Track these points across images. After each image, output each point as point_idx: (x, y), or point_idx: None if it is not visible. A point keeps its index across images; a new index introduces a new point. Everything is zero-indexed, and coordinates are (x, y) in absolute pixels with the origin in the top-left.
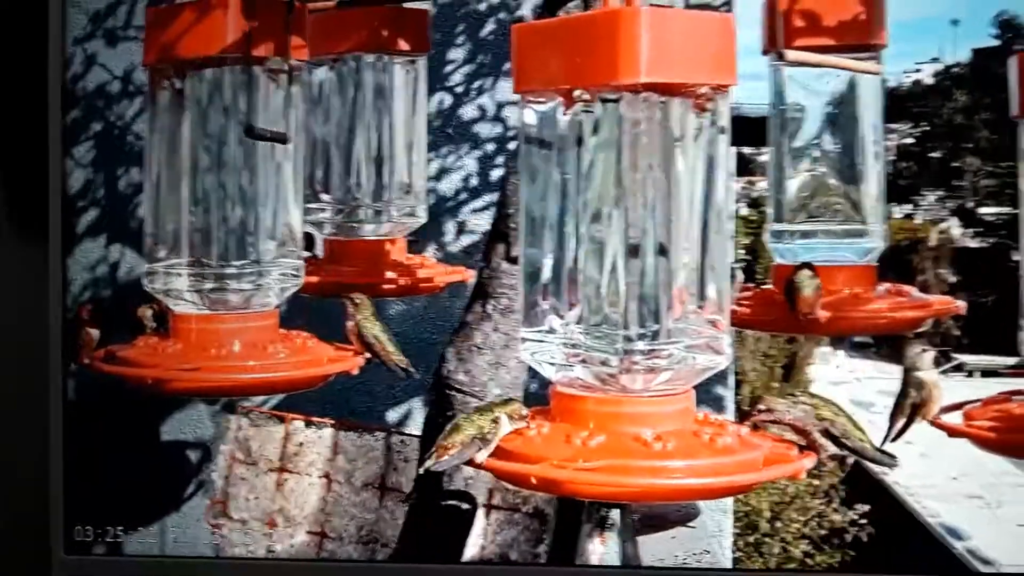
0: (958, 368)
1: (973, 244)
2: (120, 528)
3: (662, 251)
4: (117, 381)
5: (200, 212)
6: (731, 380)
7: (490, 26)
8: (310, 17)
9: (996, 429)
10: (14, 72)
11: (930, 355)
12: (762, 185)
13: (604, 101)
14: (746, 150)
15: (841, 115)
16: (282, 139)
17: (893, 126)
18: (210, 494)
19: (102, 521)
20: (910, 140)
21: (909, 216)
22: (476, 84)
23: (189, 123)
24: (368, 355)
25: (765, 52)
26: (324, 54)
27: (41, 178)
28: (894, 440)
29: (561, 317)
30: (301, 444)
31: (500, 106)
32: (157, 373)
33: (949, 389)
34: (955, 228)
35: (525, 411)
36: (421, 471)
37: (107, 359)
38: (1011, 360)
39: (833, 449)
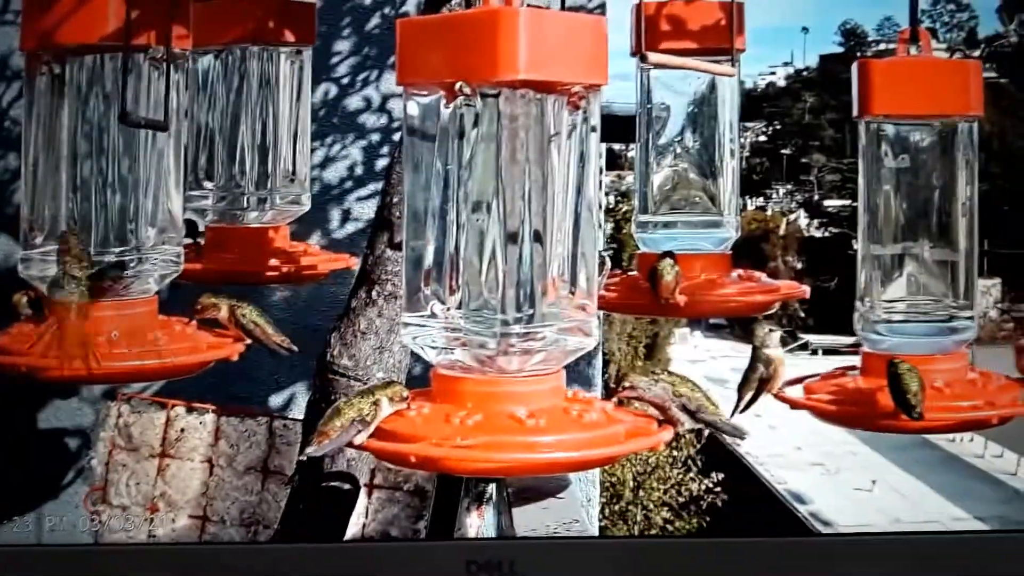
0: (803, 347)
1: (818, 234)
2: None
3: (538, 239)
4: None
5: (79, 198)
6: (599, 360)
7: (375, 20)
8: (197, 6)
9: (833, 402)
10: None
11: (777, 335)
12: (629, 179)
13: (484, 96)
14: (615, 146)
15: (702, 114)
16: (161, 127)
17: (748, 124)
18: (90, 481)
19: None
20: (763, 138)
21: (761, 208)
22: (362, 76)
23: (68, 109)
24: (248, 341)
25: (633, 54)
26: (210, 43)
27: None
28: (742, 411)
29: (443, 302)
30: (183, 430)
31: (385, 98)
32: (31, 361)
33: (795, 366)
34: (802, 219)
35: (406, 393)
36: (303, 458)
37: None
38: (850, 339)
39: (690, 423)
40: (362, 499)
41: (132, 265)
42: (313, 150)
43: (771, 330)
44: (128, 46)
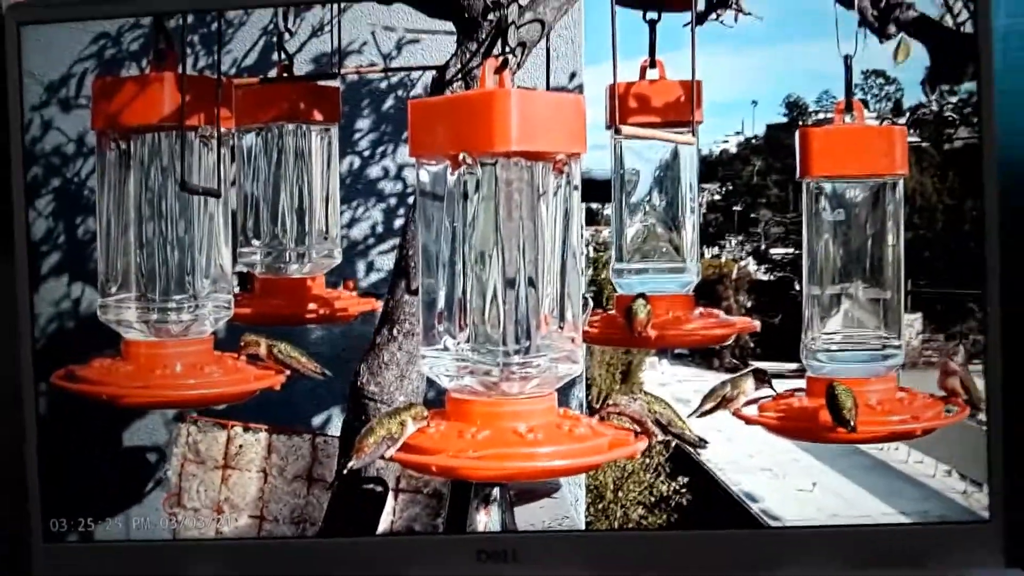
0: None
1: (764, 278)
2: (90, 519)
3: (531, 284)
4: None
5: (145, 255)
6: (583, 384)
7: (390, 101)
8: (241, 92)
9: (782, 418)
10: None
11: (751, 381)
12: (606, 232)
13: (483, 164)
14: (594, 205)
15: (666, 177)
16: (214, 194)
17: (706, 185)
18: (167, 488)
19: (74, 514)
20: (718, 197)
21: (717, 256)
22: (380, 149)
23: (133, 179)
24: (288, 372)
25: (608, 127)
26: (252, 122)
27: (7, 227)
28: (699, 416)
29: (453, 338)
30: (241, 446)
31: (400, 167)
32: (111, 390)
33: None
34: (751, 265)
35: (426, 413)
36: (344, 472)
37: (67, 377)
38: (793, 365)
39: (661, 435)
40: (390, 500)
41: (190, 311)
42: (342, 212)
43: (753, 372)
44: (183, 126)
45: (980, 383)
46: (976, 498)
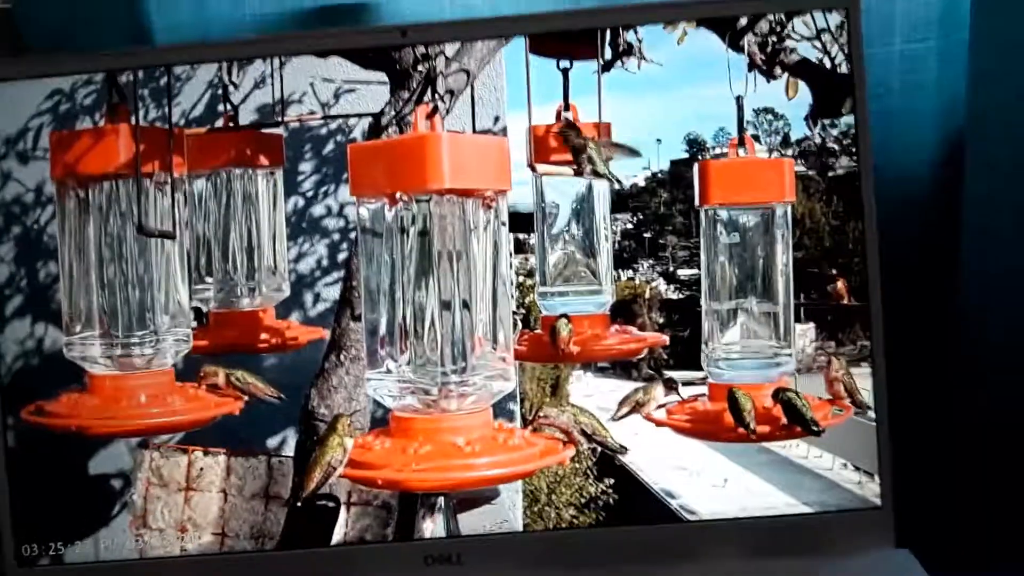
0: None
1: (673, 296)
2: (60, 543)
3: (466, 308)
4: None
5: (107, 294)
6: (517, 398)
7: (331, 145)
8: (191, 140)
9: (689, 421)
10: None
11: (660, 387)
12: (532, 260)
13: (418, 201)
14: (520, 235)
15: (583, 209)
16: (170, 236)
17: (618, 216)
18: (132, 511)
19: (45, 539)
20: (630, 225)
21: (631, 278)
22: (322, 189)
23: (93, 224)
24: (246, 398)
25: (528, 166)
26: (202, 168)
27: None
28: (617, 420)
29: (395, 360)
30: (202, 469)
31: (342, 205)
32: (79, 422)
33: (660, 396)
34: (661, 285)
35: (351, 420)
36: (299, 503)
37: (37, 412)
38: (700, 374)
39: (586, 443)
40: (342, 513)
41: (151, 345)
42: (289, 248)
43: (662, 380)
44: (139, 174)
45: (865, 384)
46: (869, 487)
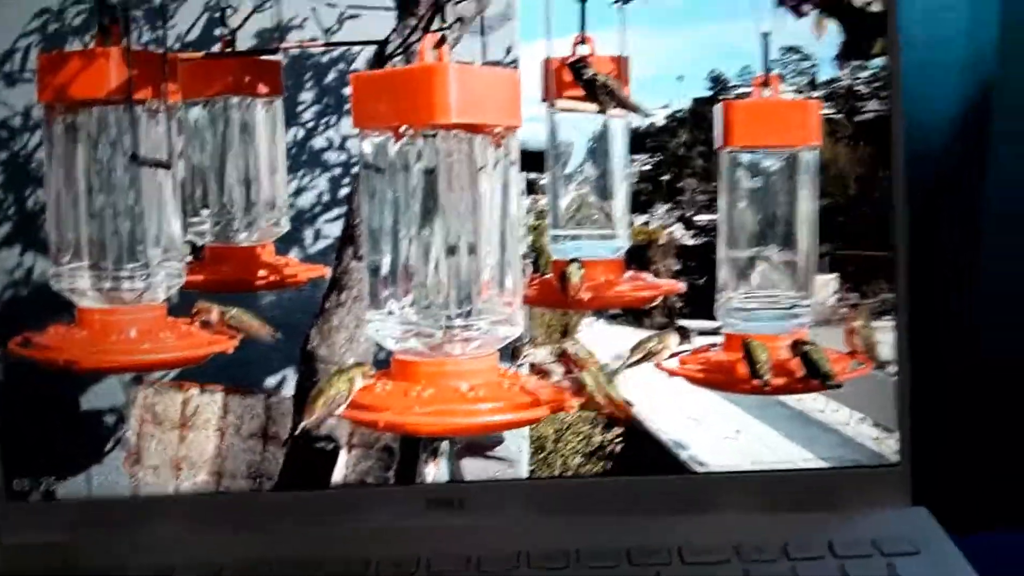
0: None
1: (690, 243)
2: (52, 478)
3: (472, 251)
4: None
5: (96, 225)
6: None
7: (332, 75)
8: (184, 66)
9: (701, 370)
10: None
11: (675, 336)
12: (543, 201)
13: (424, 136)
14: (532, 175)
15: (598, 149)
16: (164, 165)
17: (635, 157)
18: (126, 448)
19: (37, 473)
20: (648, 167)
21: (646, 223)
22: (323, 121)
23: (81, 152)
24: (241, 336)
25: (543, 100)
26: (198, 96)
27: None
28: (628, 368)
29: (398, 302)
30: (197, 407)
31: (344, 138)
32: (68, 356)
33: (674, 345)
34: (678, 231)
35: (372, 371)
36: (297, 433)
37: (24, 344)
38: (716, 323)
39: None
40: (343, 455)
41: (142, 279)
42: (288, 182)
43: (680, 332)
44: (132, 100)
45: (887, 338)
46: (887, 444)
